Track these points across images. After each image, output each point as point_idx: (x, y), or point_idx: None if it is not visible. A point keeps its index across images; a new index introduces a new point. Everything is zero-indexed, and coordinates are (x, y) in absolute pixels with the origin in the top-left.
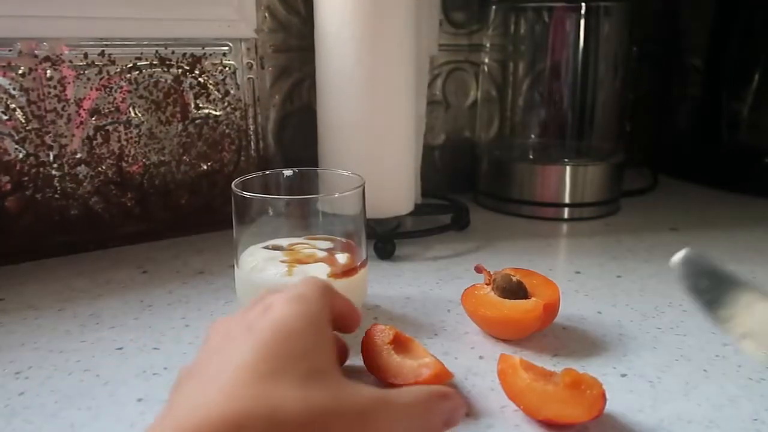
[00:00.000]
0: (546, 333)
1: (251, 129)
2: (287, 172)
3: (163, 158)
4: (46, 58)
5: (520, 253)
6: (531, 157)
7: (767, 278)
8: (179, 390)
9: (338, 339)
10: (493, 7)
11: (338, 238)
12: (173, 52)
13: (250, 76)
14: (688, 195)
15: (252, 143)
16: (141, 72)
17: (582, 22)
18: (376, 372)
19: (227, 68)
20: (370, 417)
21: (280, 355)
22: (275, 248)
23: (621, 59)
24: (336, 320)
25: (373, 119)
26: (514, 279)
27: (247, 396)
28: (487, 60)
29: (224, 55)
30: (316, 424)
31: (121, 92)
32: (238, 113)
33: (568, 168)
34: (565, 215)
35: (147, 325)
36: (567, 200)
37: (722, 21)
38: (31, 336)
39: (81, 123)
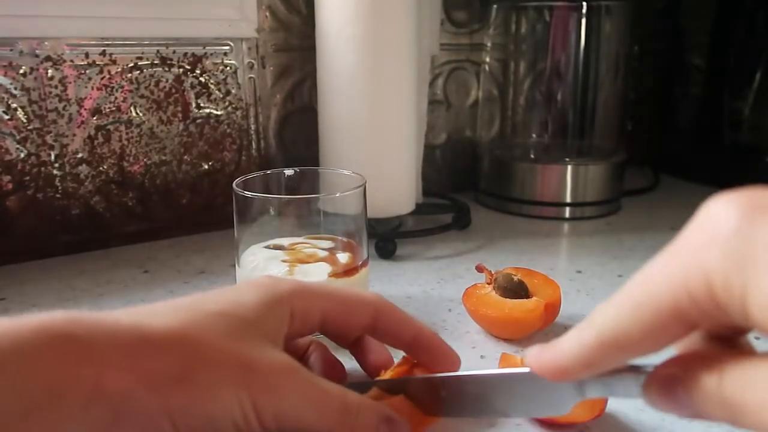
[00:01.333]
0: (547, 332)
1: (252, 128)
2: (288, 172)
3: (164, 158)
4: (48, 58)
5: (522, 252)
6: (532, 156)
7: None
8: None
9: (329, 357)
10: (494, 6)
11: (339, 238)
12: (174, 52)
13: (251, 75)
14: (690, 194)
15: (253, 143)
16: (142, 71)
17: (583, 21)
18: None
19: (228, 68)
20: (264, 378)
21: (214, 300)
22: (276, 248)
23: (622, 58)
24: (327, 320)
25: (374, 119)
26: (515, 278)
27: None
28: (488, 59)
29: (225, 54)
30: (180, 344)
31: (122, 92)
32: (239, 113)
33: (569, 167)
34: (567, 214)
35: None
36: (568, 199)
37: (723, 20)
38: None
39: (82, 122)
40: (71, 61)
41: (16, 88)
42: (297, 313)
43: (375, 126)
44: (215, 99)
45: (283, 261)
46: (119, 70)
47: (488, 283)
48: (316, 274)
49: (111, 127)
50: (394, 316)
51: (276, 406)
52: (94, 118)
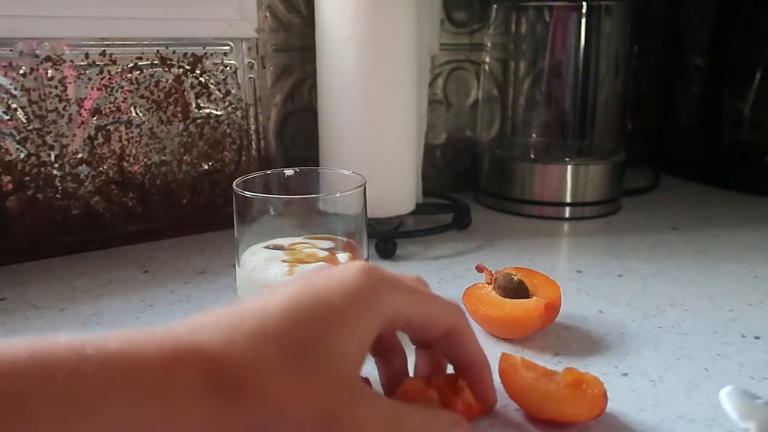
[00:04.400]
0: (547, 332)
1: (252, 128)
2: (288, 172)
3: (164, 158)
4: (47, 58)
5: (522, 252)
6: (532, 156)
7: None
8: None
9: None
10: (494, 6)
11: (339, 238)
12: (174, 52)
13: (251, 75)
14: (690, 194)
15: (253, 143)
16: (142, 72)
17: (583, 20)
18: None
19: (228, 68)
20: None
21: (294, 319)
22: (276, 248)
23: (622, 58)
24: (408, 325)
25: (375, 118)
26: (515, 278)
27: (225, 336)
28: (488, 59)
29: (225, 54)
30: (253, 374)
31: (122, 92)
32: (239, 113)
33: (569, 167)
34: (567, 214)
35: (149, 325)
36: (568, 199)
37: (723, 19)
38: (33, 336)
39: (82, 123)
40: (71, 61)
41: (16, 89)
42: (386, 321)
43: (375, 126)
44: (215, 99)
45: (283, 261)
46: (119, 70)
47: (488, 283)
48: None
49: (111, 128)
50: (466, 336)
51: None
52: (94, 118)
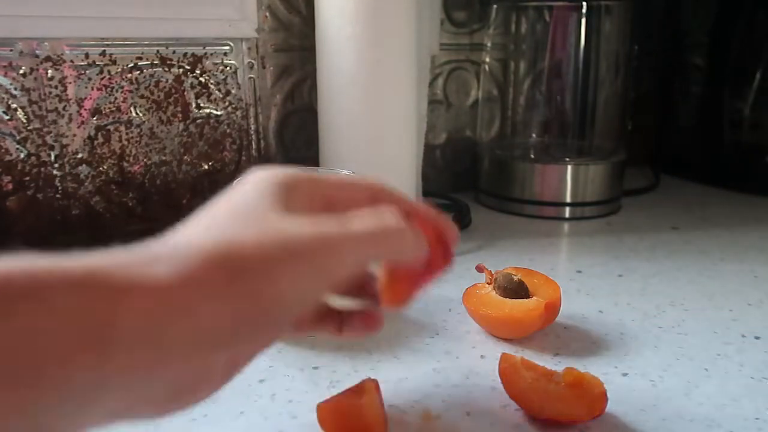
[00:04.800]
0: (547, 332)
1: (252, 128)
2: None
3: (164, 158)
4: (47, 58)
5: (522, 252)
6: (532, 156)
7: None
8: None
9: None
10: (494, 6)
11: None
12: (174, 52)
13: (251, 75)
14: (690, 194)
15: (253, 143)
16: (142, 72)
17: (583, 20)
18: None
19: (228, 68)
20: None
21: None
22: None
23: (622, 58)
24: (329, 205)
25: (374, 118)
26: (515, 278)
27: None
28: (488, 59)
29: (225, 54)
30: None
31: (122, 92)
32: (239, 113)
33: (569, 167)
34: (567, 214)
35: None
36: (568, 199)
37: (723, 19)
38: None
39: (82, 123)
40: (71, 61)
41: (16, 89)
42: (304, 208)
43: (375, 126)
44: (215, 99)
45: None
46: (119, 70)
47: (488, 283)
48: None
49: (111, 128)
50: (395, 195)
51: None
52: (94, 118)
